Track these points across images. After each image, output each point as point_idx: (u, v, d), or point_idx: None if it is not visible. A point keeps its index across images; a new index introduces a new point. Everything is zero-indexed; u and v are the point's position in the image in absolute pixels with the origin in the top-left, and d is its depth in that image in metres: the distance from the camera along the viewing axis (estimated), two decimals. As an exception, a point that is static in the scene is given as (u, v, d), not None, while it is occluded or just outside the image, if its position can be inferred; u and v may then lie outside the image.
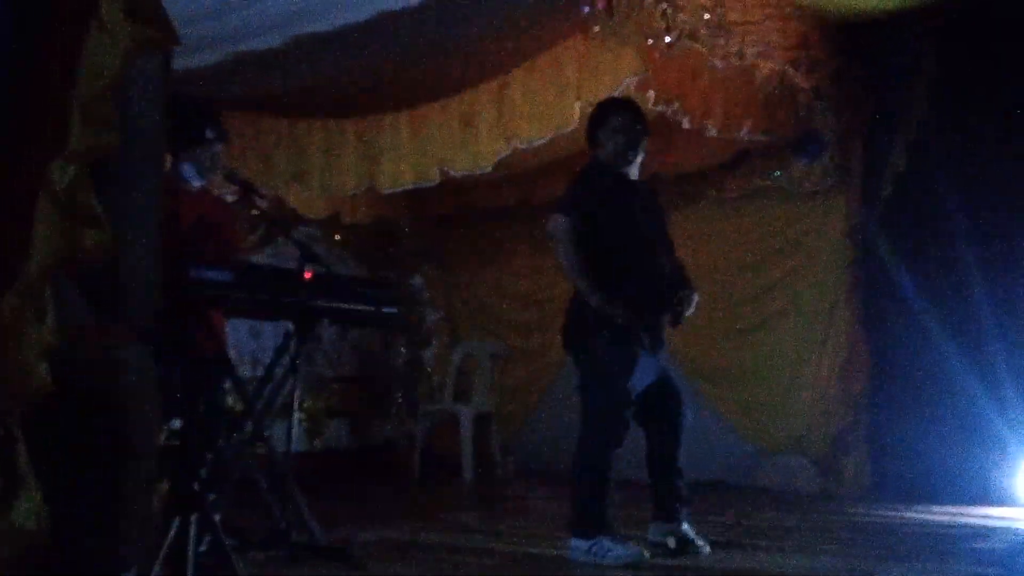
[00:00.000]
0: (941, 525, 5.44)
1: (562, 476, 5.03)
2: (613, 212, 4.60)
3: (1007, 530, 5.26)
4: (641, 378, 4.59)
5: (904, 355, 6.55)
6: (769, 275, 7.42)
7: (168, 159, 4.30)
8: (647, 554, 4.41)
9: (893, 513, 5.80)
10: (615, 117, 4.74)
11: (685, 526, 4.65)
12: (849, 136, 6.76)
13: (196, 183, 4.70)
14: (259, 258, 6.94)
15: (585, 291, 4.51)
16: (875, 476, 6.62)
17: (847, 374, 6.86)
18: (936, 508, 5.86)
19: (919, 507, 5.92)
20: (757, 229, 7.48)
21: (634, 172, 4.76)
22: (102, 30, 2.42)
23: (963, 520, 5.55)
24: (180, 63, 4.19)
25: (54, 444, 2.54)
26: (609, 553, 4.35)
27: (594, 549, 4.38)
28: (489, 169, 6.40)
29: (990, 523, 5.46)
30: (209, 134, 4.64)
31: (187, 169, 4.64)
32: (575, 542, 4.47)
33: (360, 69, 5.86)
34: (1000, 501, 5.83)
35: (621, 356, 4.52)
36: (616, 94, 5.38)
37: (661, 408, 4.72)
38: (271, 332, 4.69)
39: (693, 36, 5.43)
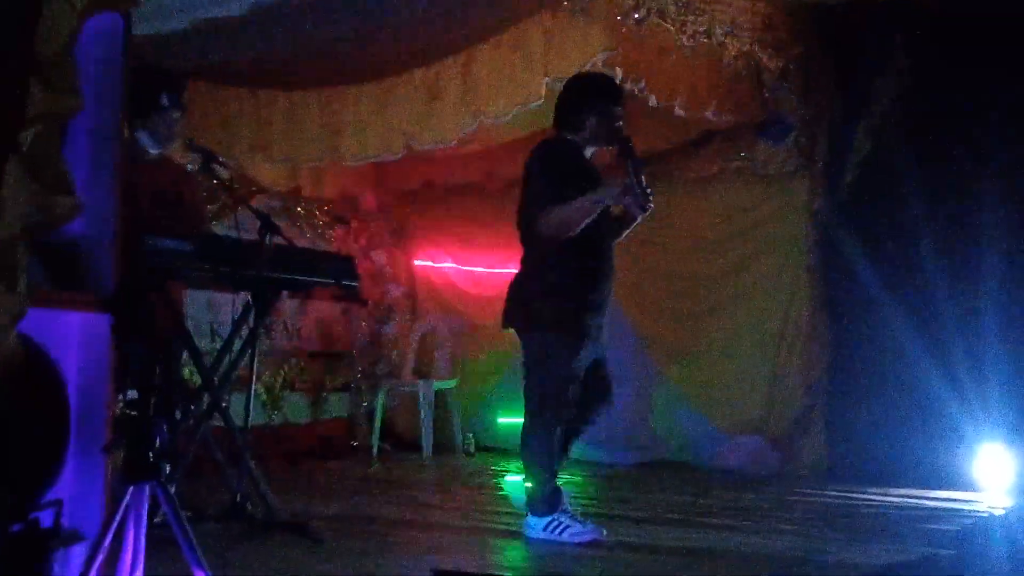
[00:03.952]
0: (896, 507, 5.50)
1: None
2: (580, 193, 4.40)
3: (960, 512, 5.32)
4: (584, 360, 4.53)
5: (862, 339, 6.60)
6: (730, 257, 7.43)
7: (125, 128, 4.23)
8: (604, 531, 4.43)
9: (849, 494, 5.85)
10: (606, 101, 4.55)
11: None
12: (814, 120, 6.79)
13: (153, 151, 4.63)
14: (219, 229, 6.86)
15: (586, 204, 4.35)
16: (832, 458, 6.67)
17: (806, 357, 6.91)
18: (891, 490, 5.92)
19: (875, 489, 5.97)
20: (719, 211, 7.47)
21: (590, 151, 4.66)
22: (58, -10, 2.36)
23: (917, 502, 5.61)
24: (140, 29, 4.11)
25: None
26: (567, 530, 4.36)
27: (551, 526, 4.39)
28: (454, 143, 6.35)
29: (944, 505, 5.52)
30: (164, 101, 4.57)
31: (143, 137, 4.57)
32: (532, 519, 4.48)
33: (324, 39, 5.78)
34: (954, 484, 5.89)
35: (567, 339, 4.45)
36: (585, 69, 5.33)
37: (584, 396, 4.62)
38: (229, 304, 4.63)
39: (662, 14, 5.41)
